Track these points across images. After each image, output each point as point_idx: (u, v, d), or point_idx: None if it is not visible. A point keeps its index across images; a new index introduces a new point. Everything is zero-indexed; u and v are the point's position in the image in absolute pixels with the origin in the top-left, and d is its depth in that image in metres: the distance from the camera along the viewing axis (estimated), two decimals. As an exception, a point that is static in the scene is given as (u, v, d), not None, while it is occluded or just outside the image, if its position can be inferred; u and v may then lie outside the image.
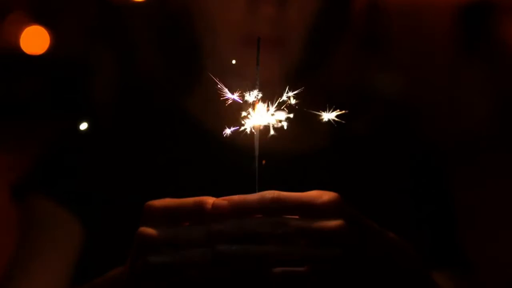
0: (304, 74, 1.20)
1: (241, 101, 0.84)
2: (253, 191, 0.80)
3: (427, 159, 1.27)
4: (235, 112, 0.85)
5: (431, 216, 1.21)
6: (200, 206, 0.77)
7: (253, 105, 0.84)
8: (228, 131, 0.83)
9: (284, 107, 0.85)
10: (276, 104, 0.85)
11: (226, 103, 0.85)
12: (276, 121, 0.85)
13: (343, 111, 1.26)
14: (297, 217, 0.78)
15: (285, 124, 0.85)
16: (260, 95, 0.84)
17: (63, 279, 1.12)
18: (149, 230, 0.79)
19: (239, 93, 0.85)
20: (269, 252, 0.77)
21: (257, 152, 0.83)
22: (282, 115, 0.85)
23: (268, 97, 0.85)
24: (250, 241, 0.77)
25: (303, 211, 0.78)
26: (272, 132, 0.84)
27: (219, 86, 1.20)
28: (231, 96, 0.85)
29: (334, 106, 1.26)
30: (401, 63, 1.46)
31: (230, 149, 1.09)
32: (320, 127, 1.23)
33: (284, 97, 0.85)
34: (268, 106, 0.85)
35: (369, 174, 1.20)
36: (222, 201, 0.77)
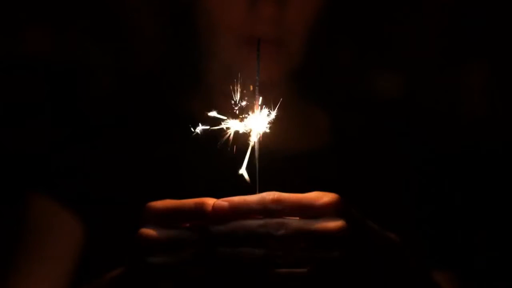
0: (304, 74, 1.21)
1: (242, 101, 0.84)
2: (253, 192, 0.80)
3: (427, 159, 1.27)
4: (236, 112, 0.85)
5: (431, 216, 1.21)
6: (201, 207, 0.77)
7: (253, 105, 0.84)
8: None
9: (284, 107, 0.86)
10: (276, 104, 0.85)
11: (227, 103, 0.85)
12: (276, 122, 0.85)
13: (343, 111, 1.27)
14: (297, 218, 0.78)
15: (285, 125, 0.85)
16: (260, 95, 0.84)
17: (63, 279, 1.12)
18: (150, 231, 0.79)
19: (239, 93, 0.85)
20: (269, 254, 0.77)
21: (257, 153, 0.84)
22: (282, 115, 0.85)
23: (268, 97, 0.85)
24: (250, 242, 0.77)
25: (303, 212, 0.78)
26: (271, 132, 0.84)
27: (219, 86, 1.20)
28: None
29: (334, 106, 1.27)
30: (401, 63, 1.46)
31: (230, 149, 1.09)
32: (320, 127, 1.24)
33: (284, 98, 0.86)
34: (268, 106, 0.85)
35: (369, 174, 1.20)
36: (223, 202, 0.77)
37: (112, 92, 1.42)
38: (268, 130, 0.84)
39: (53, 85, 1.54)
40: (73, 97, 1.49)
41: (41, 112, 1.46)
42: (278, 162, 0.94)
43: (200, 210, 0.77)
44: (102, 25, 1.45)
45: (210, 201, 0.77)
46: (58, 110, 1.41)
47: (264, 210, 0.77)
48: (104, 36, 1.46)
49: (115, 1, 1.39)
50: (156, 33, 1.26)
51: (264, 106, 0.84)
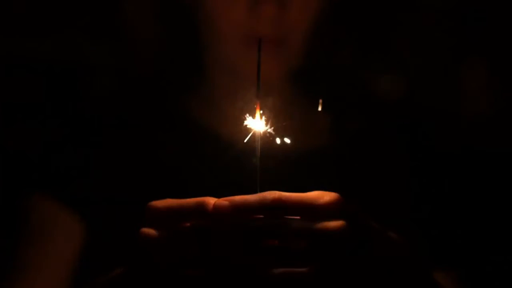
0: (305, 75, 1.21)
1: (243, 101, 0.84)
2: (255, 192, 0.80)
3: (427, 159, 1.27)
4: (237, 112, 0.85)
5: (431, 216, 1.21)
6: (202, 207, 0.77)
7: (254, 105, 0.84)
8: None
9: (285, 107, 0.86)
10: (277, 104, 0.85)
11: (228, 103, 0.85)
12: (277, 122, 0.85)
13: (344, 111, 1.27)
14: (298, 217, 0.78)
15: (286, 124, 0.85)
16: (261, 95, 0.84)
17: (64, 279, 1.12)
18: (151, 231, 0.79)
19: (240, 93, 0.85)
20: (270, 253, 0.77)
21: (258, 152, 0.84)
22: (283, 115, 0.85)
23: (270, 97, 0.85)
24: (251, 242, 0.77)
25: (304, 211, 0.78)
26: (272, 132, 0.85)
27: (220, 86, 1.20)
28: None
29: (335, 106, 1.27)
30: (402, 63, 1.46)
31: (231, 149, 1.09)
32: (321, 127, 1.24)
33: (285, 98, 0.86)
34: (269, 106, 0.85)
35: (370, 173, 1.20)
36: (224, 201, 0.77)
37: (112, 92, 1.42)
38: (269, 130, 0.84)
39: (53, 85, 1.54)
40: (73, 97, 1.49)
41: (42, 112, 1.46)
42: (279, 162, 0.94)
43: (201, 209, 0.77)
44: (103, 25, 1.45)
45: (211, 200, 0.77)
46: (59, 110, 1.41)
47: (265, 209, 0.77)
48: (105, 36, 1.46)
49: (115, 0, 1.39)
50: (156, 34, 1.26)
51: (265, 106, 0.84)
